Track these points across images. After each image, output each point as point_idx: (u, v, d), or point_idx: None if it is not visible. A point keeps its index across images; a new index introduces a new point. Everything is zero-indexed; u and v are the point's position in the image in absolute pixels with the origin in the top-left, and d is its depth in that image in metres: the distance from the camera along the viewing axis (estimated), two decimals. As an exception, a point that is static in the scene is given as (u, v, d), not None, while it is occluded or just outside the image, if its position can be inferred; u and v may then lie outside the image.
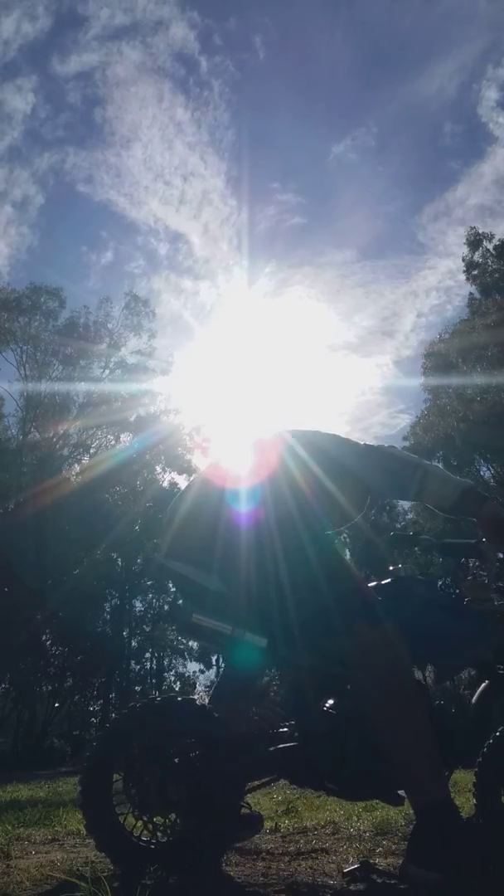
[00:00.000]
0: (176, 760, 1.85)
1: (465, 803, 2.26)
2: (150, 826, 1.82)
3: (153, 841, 1.83)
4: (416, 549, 2.42)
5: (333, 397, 63.14)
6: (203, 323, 47.83)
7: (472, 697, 2.03)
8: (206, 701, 2.18)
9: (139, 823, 1.83)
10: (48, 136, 50.97)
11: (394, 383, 45.24)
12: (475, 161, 56.15)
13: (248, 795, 2.07)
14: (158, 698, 1.95)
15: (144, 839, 1.83)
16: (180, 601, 2.15)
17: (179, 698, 1.94)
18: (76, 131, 55.19)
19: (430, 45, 60.81)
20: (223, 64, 59.95)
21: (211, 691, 2.47)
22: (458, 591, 2.11)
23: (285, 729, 1.96)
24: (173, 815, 1.84)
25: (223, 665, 2.44)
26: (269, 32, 58.03)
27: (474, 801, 1.84)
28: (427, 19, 55.02)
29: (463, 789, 3.08)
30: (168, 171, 53.97)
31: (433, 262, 51.42)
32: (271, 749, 1.91)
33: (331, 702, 2.00)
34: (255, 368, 45.89)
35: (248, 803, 2.21)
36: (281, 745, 1.91)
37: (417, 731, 1.75)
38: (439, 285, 52.70)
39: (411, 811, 1.95)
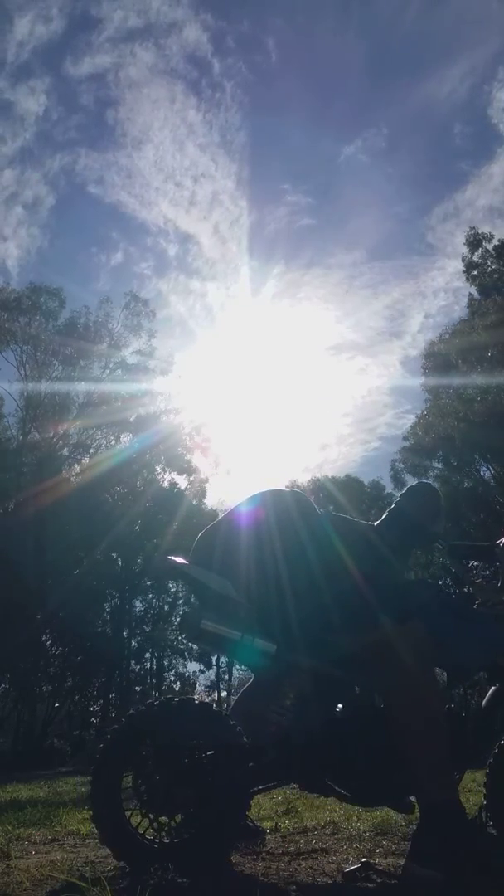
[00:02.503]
0: (186, 762, 1.86)
1: (466, 803, 2.26)
2: (156, 825, 1.83)
3: (157, 840, 1.84)
4: (417, 550, 2.43)
5: (340, 398, 63.35)
6: (211, 324, 48.02)
7: (475, 697, 2.04)
8: (208, 701, 2.19)
9: (145, 822, 1.84)
10: (60, 137, 51.39)
11: (401, 384, 45.37)
12: (485, 162, 56.45)
13: (253, 797, 2.07)
14: (176, 699, 1.95)
15: (149, 838, 1.84)
16: (187, 610, 2.16)
17: (196, 700, 1.95)
18: (88, 133, 55.75)
19: (441, 47, 61.09)
20: (236, 66, 60.46)
21: (236, 699, 2.48)
22: (458, 591, 2.11)
23: (294, 734, 1.96)
24: (179, 817, 1.85)
25: (243, 670, 2.47)
26: (281, 34, 58.14)
27: (483, 800, 1.85)
28: (439, 21, 55.26)
29: (464, 789, 3.08)
30: (179, 172, 54.27)
31: (441, 262, 51.44)
32: (280, 755, 1.91)
33: (339, 707, 2.00)
34: (262, 369, 46.12)
35: (251, 816, 2.22)
36: (289, 751, 1.91)
37: (429, 731, 1.75)
38: (447, 286, 52.65)
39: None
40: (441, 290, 54.12)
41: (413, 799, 1.91)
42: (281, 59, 58.57)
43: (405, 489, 2.42)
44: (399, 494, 2.40)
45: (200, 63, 56.33)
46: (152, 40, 48.99)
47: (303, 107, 66.79)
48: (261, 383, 44.51)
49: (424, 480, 2.66)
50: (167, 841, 1.84)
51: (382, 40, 59.73)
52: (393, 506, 2.36)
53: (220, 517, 2.23)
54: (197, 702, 1.95)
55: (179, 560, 2.07)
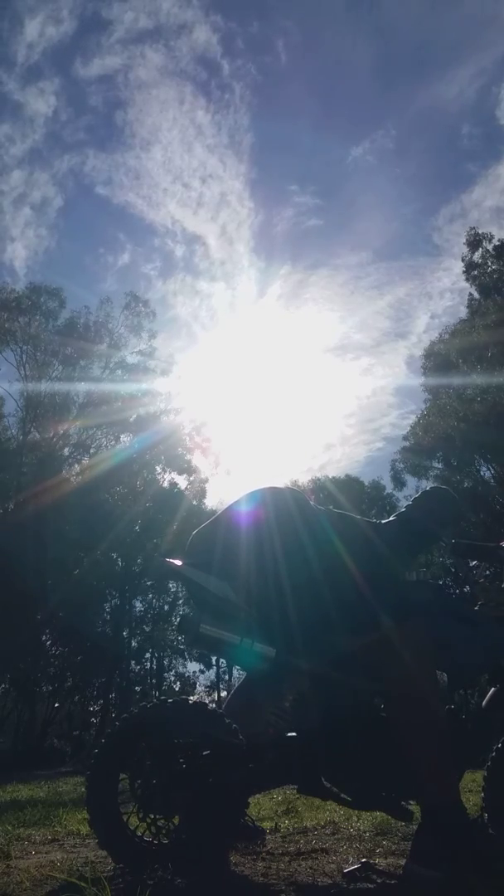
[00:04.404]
0: (183, 763, 1.85)
1: (467, 803, 2.26)
2: (154, 827, 1.83)
3: (155, 842, 1.84)
4: (422, 554, 2.42)
5: (344, 398, 63.45)
6: (217, 324, 48.27)
7: (475, 699, 2.04)
8: (208, 701, 2.18)
9: (142, 824, 1.83)
10: (69, 138, 51.68)
11: (405, 384, 45.43)
12: (492, 163, 55.97)
13: (251, 797, 2.07)
14: (169, 700, 1.95)
15: (147, 839, 1.84)
16: (186, 611, 2.15)
17: (191, 701, 1.94)
18: (97, 134, 55.98)
19: (450, 49, 61.44)
20: (245, 67, 61.24)
21: (228, 696, 2.47)
22: (458, 591, 2.11)
23: (293, 736, 1.95)
24: (177, 818, 1.84)
25: (237, 670, 2.46)
26: (291, 36, 58.29)
27: (482, 801, 1.85)
28: (447, 23, 55.42)
29: (465, 789, 3.08)
30: (187, 173, 54.48)
31: (448, 263, 51.42)
32: (278, 757, 1.91)
33: (337, 709, 2.00)
34: (266, 369, 46.30)
35: (251, 816, 2.22)
36: (288, 754, 1.91)
37: (429, 732, 1.75)
38: (453, 287, 52.51)
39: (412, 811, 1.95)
40: (447, 291, 54.06)
41: (411, 805, 1.91)
42: (290, 60, 58.96)
43: (420, 493, 2.38)
44: (413, 498, 2.36)
45: (210, 64, 56.99)
46: (162, 42, 49.42)
47: (311, 108, 67.07)
48: (265, 383, 44.81)
49: (443, 487, 2.63)
50: (165, 842, 1.84)
51: (391, 42, 60.15)
52: (404, 509, 2.34)
53: (215, 515, 2.21)
54: (191, 702, 1.94)
55: (178, 562, 2.06)
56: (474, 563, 2.16)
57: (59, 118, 48.88)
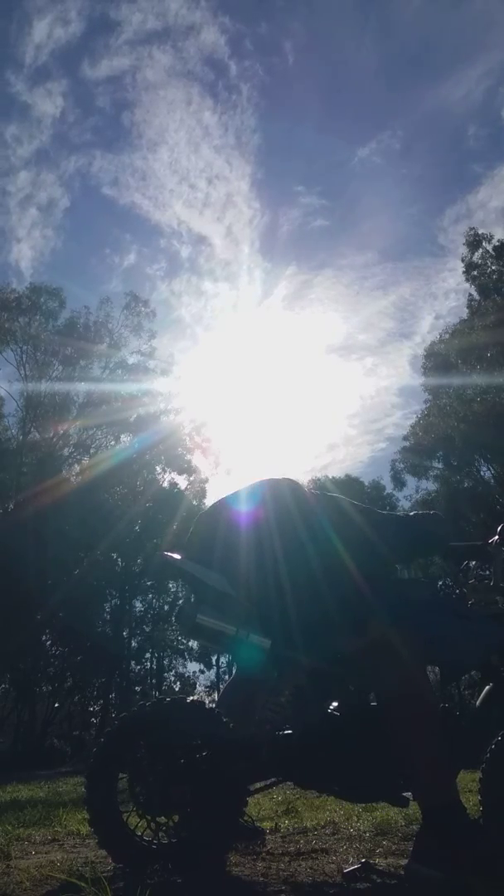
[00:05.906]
0: (182, 762, 1.86)
1: (467, 803, 2.26)
2: (153, 826, 1.83)
3: (155, 841, 1.84)
4: (423, 556, 2.44)
5: (348, 398, 63.43)
6: (222, 324, 48.20)
7: (473, 698, 2.03)
8: (208, 701, 2.19)
9: (142, 823, 1.84)
10: (76, 139, 51.72)
11: (409, 384, 45.59)
12: (498, 164, 55.42)
13: (250, 796, 2.07)
14: (167, 699, 1.96)
15: (147, 839, 1.84)
16: (183, 603, 2.17)
17: (188, 700, 1.94)
18: (104, 135, 56.17)
19: (457, 50, 61.55)
20: (252, 68, 61.47)
21: (222, 691, 2.49)
22: (458, 592, 2.11)
23: (289, 731, 1.96)
24: (176, 817, 1.85)
25: (234, 667, 2.46)
26: (298, 37, 58.29)
27: (479, 801, 1.85)
28: (454, 24, 55.46)
29: (463, 789, 3.08)
30: (193, 173, 54.53)
31: (452, 264, 51.17)
32: (275, 752, 1.91)
33: (334, 704, 2.00)
34: (271, 370, 46.29)
35: (251, 816, 2.22)
36: (284, 748, 1.91)
37: (426, 732, 1.75)
38: (458, 287, 52.07)
39: (411, 811, 1.95)
40: (451, 291, 53.95)
41: (409, 795, 1.91)
42: (297, 61, 58.84)
43: (413, 514, 2.40)
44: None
45: (217, 65, 57.22)
46: (170, 43, 49.56)
47: (318, 109, 67.13)
48: (268, 383, 44.67)
49: (437, 512, 2.74)
50: (165, 841, 1.84)
51: (398, 43, 60.26)
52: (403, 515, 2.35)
53: (216, 504, 2.20)
54: (189, 700, 1.95)
55: (176, 556, 2.07)
56: (464, 564, 2.17)
57: (66, 119, 48.86)
